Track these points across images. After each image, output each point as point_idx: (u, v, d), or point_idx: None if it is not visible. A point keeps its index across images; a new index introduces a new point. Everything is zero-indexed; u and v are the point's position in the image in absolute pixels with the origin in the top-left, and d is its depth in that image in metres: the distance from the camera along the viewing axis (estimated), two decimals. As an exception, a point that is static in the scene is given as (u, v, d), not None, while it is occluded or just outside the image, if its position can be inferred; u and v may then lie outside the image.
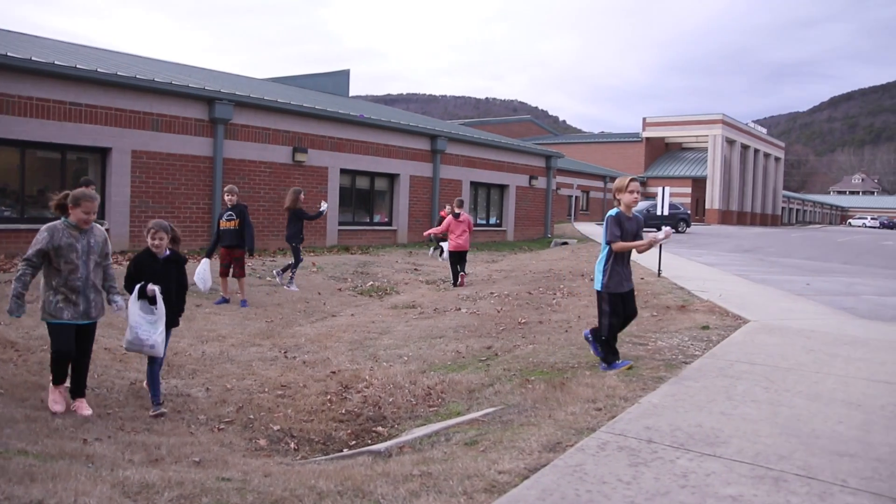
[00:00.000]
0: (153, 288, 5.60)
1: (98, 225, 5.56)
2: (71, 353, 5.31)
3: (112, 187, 14.72)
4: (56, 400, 5.36)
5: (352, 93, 33.28)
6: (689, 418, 4.50)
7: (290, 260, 12.92)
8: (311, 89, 28.11)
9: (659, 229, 6.32)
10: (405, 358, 7.57)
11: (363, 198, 21.51)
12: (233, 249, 10.84)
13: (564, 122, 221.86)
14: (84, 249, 5.31)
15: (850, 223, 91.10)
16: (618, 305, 6.15)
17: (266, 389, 6.54)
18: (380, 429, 5.73)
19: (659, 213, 14.98)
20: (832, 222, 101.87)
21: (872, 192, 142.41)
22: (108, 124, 14.54)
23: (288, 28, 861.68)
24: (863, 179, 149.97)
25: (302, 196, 12.81)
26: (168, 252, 5.91)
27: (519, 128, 63.26)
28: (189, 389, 6.42)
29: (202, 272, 10.51)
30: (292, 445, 5.40)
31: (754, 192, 69.00)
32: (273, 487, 3.53)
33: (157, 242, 5.79)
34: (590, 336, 6.42)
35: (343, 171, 20.06)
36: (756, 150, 68.69)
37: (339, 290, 12.79)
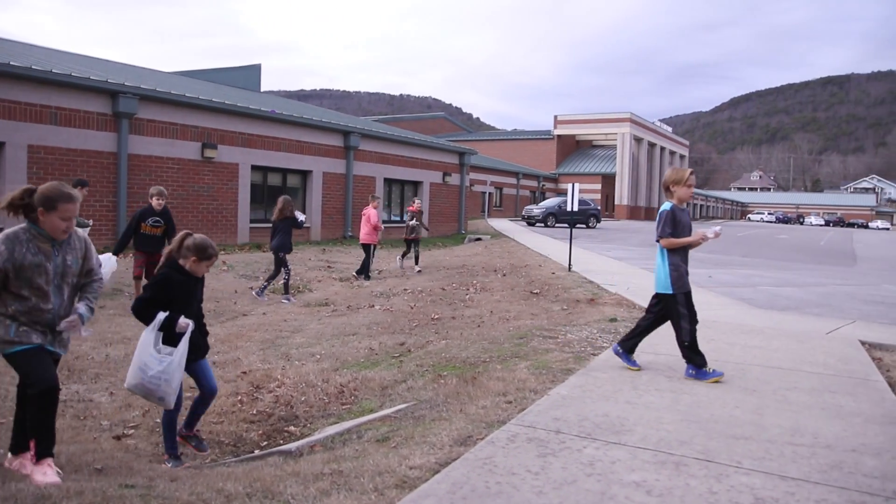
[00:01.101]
0: (187, 324, 4.51)
1: (77, 231, 4.10)
2: (58, 385, 3.90)
3: (6, 185, 13.99)
4: (45, 470, 3.77)
5: (264, 88, 32.73)
6: (597, 408, 4.63)
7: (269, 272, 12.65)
8: (221, 83, 27.49)
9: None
10: (318, 356, 7.50)
11: (275, 195, 21.04)
12: (153, 255, 10.18)
13: (478, 119, 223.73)
14: (57, 271, 3.87)
15: (749, 218, 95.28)
16: (691, 305, 5.68)
17: (173, 392, 6.37)
18: (292, 428, 5.66)
19: (569, 208, 15.29)
20: (733, 217, 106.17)
21: (769, 189, 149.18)
22: (0, 117, 13.84)
23: (196, 19, 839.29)
24: (760, 177, 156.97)
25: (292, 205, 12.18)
26: None
27: (433, 124, 63.43)
28: (91, 394, 6.19)
29: (108, 272, 10.11)
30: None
31: (660, 188, 71.23)
32: (179, 492, 3.45)
33: (203, 271, 4.77)
34: (619, 349, 5.86)
35: (254, 168, 19.70)
36: (662, 148, 70.94)
37: (251, 288, 12.56)
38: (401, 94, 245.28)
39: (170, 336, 4.52)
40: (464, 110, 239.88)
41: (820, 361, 6.41)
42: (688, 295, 5.67)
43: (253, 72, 31.65)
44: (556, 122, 65.40)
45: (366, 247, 14.59)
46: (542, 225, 34.90)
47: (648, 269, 15.29)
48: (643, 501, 3.19)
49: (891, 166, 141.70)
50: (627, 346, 5.86)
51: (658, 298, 5.80)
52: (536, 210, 36.60)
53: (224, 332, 8.98)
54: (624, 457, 3.75)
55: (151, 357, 4.37)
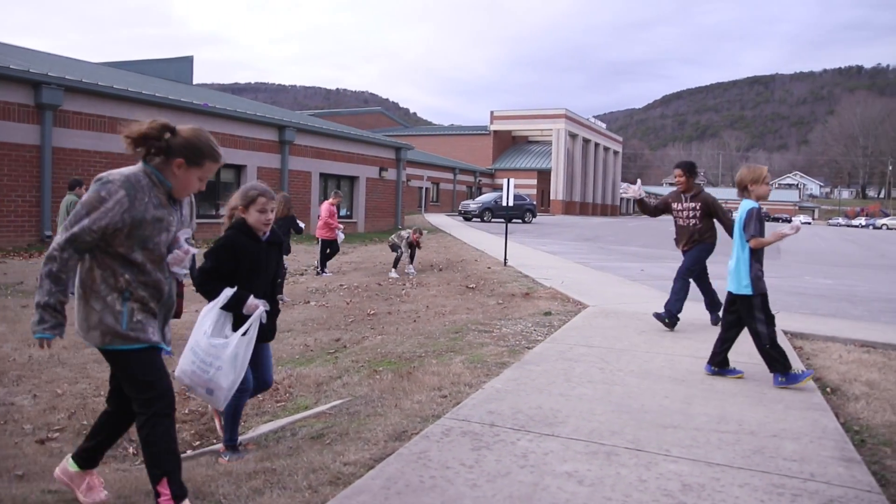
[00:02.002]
0: (257, 305, 3.83)
1: None
2: (173, 396, 3.16)
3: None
4: (93, 485, 3.33)
5: (196, 80, 32.05)
6: (530, 401, 4.69)
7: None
8: (152, 76, 26.78)
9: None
10: (252, 354, 7.40)
11: (208, 190, 20.73)
12: None
13: (415, 114, 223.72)
14: (176, 227, 3.18)
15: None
16: (768, 307, 5.47)
17: (102, 393, 6.18)
18: (225, 427, 5.57)
19: (505, 203, 15.42)
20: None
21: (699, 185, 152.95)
22: (-86, 109, 13.22)
23: (124, 8, 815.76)
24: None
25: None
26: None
27: (370, 119, 63.19)
28: (13, 398, 5.97)
29: None
30: (131, 450, 5.15)
31: (595, 183, 72.44)
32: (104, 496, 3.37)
33: (269, 217, 4.01)
34: (713, 369, 5.64)
35: (186, 162, 19.28)
36: (597, 144, 72.11)
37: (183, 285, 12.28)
38: (337, 89, 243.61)
39: (238, 318, 3.82)
40: (401, 105, 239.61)
41: (745, 351, 6.61)
42: (765, 297, 5.46)
43: (185, 64, 30.94)
44: (493, 117, 65.87)
45: (322, 242, 14.19)
46: (479, 220, 35.13)
47: (583, 262, 15.55)
48: (575, 491, 3.25)
49: (812, 164, 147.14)
50: (718, 361, 5.64)
51: (734, 299, 5.61)
52: (473, 205, 36.84)
53: (155, 330, 8.78)
54: (557, 448, 3.81)
55: (205, 337, 3.66)
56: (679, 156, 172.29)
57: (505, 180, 15.36)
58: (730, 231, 6.67)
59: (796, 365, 5.71)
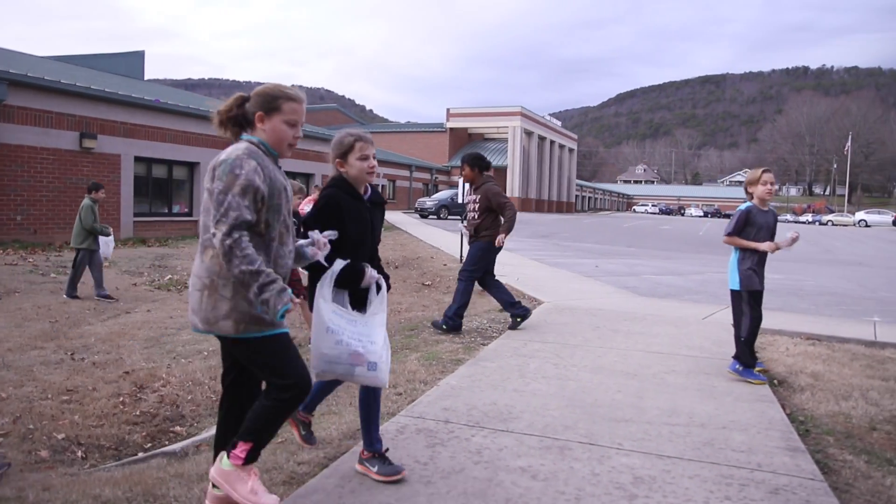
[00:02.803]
0: (372, 276, 3.40)
1: None
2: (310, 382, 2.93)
3: None
4: (256, 489, 2.90)
5: (147, 76, 31.47)
6: (485, 397, 4.72)
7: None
8: (101, 70, 26.19)
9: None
10: (205, 353, 7.30)
11: (161, 187, 20.41)
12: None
13: (371, 111, 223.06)
14: (290, 198, 3.06)
15: (634, 210, 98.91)
16: (757, 305, 5.65)
17: (49, 396, 6.05)
18: (178, 428, 5.48)
19: (461, 201, 15.44)
20: (619, 209, 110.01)
21: (653, 182, 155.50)
22: None
23: (71, 1, 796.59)
24: (644, 170, 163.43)
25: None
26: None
27: (325, 116, 62.70)
28: (-43, 400, 5.81)
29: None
30: (79, 454, 5.03)
31: (550, 181, 73.00)
32: (52, 502, 3.30)
33: (372, 164, 3.54)
34: (738, 367, 5.62)
35: (138, 159, 18.92)
36: (552, 142, 72.63)
37: (135, 285, 12.08)
38: (292, 85, 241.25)
39: (352, 295, 3.37)
40: (357, 102, 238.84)
41: (696, 345, 6.75)
42: (754, 294, 5.62)
43: (135, 59, 30.33)
44: (449, 114, 65.90)
45: None
46: (435, 217, 35.14)
47: (538, 259, 15.67)
48: (529, 486, 3.28)
49: (762, 161, 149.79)
50: (746, 361, 5.65)
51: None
52: (429, 202, 36.83)
53: (105, 330, 8.60)
54: (511, 443, 3.85)
55: (337, 315, 3.20)
56: (633, 153, 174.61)
57: (460, 178, 15.39)
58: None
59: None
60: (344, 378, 3.23)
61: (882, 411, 4.86)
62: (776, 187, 5.85)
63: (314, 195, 14.36)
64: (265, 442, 2.95)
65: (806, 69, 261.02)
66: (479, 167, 7.39)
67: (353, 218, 3.43)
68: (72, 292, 10.45)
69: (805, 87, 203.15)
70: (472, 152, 7.59)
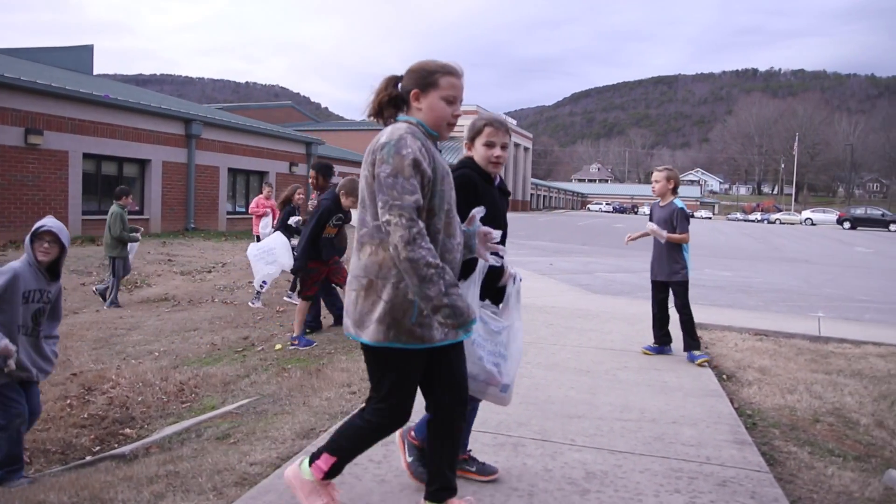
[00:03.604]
0: (512, 270, 3.19)
1: None
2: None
3: None
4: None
5: (97, 71, 30.79)
6: (439, 395, 4.72)
7: None
8: (48, 64, 25.53)
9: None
10: (156, 353, 7.18)
11: (111, 185, 19.90)
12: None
13: (327, 108, 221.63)
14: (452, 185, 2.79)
15: (589, 208, 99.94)
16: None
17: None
18: (127, 431, 5.38)
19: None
20: (574, 207, 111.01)
21: (607, 180, 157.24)
22: None
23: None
24: (599, 169, 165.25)
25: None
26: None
27: (280, 113, 61.95)
28: None
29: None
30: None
31: (505, 179, 73.27)
32: (-6, 506, 3.22)
33: (497, 154, 3.24)
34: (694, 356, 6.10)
35: (87, 156, 18.48)
36: (508, 140, 73.01)
37: (83, 284, 11.82)
38: (247, 82, 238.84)
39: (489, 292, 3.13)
40: (312, 99, 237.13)
41: (648, 342, 6.85)
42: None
43: (84, 53, 29.63)
44: (405, 113, 65.80)
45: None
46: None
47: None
48: (482, 483, 3.29)
49: (713, 161, 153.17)
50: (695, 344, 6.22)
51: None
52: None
53: (52, 331, 8.41)
54: (465, 441, 3.85)
55: (482, 323, 3.00)
56: (588, 152, 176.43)
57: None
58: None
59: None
60: (472, 394, 2.99)
61: (825, 404, 5.00)
62: (660, 185, 6.32)
63: (266, 193, 14.17)
64: (350, 459, 2.83)
65: (755, 71, 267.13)
66: (324, 175, 7.81)
67: (487, 202, 3.03)
68: (115, 302, 10.10)
69: (754, 89, 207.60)
70: (320, 162, 7.98)
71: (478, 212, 2.84)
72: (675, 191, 6.32)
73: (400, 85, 2.75)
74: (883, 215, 50.09)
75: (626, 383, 5.27)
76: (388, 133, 2.57)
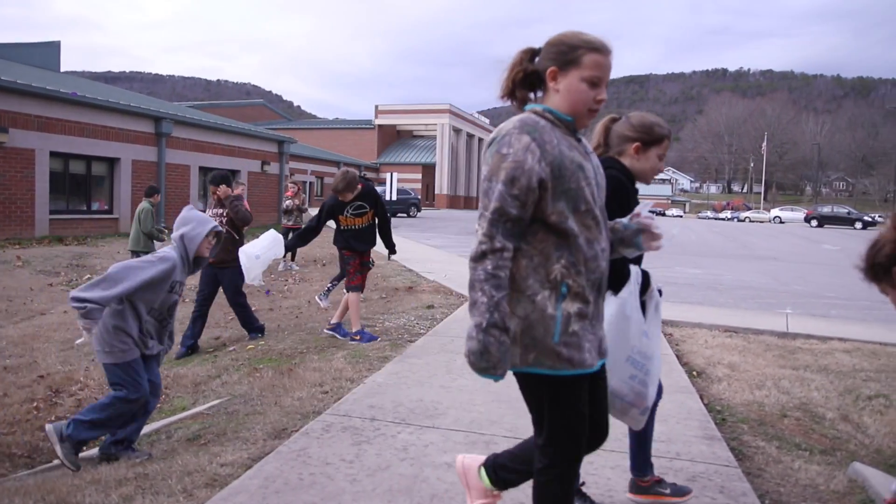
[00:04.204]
0: (659, 288, 2.95)
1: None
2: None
3: None
4: None
5: (64, 68, 30.33)
6: (411, 394, 4.72)
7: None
8: (12, 61, 25.10)
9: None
10: (126, 355, 7.09)
11: (79, 184, 19.67)
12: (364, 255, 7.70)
13: (299, 107, 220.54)
14: (595, 178, 2.35)
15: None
16: None
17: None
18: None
19: (389, 198, 15.43)
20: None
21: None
22: None
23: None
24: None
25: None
26: None
27: (252, 112, 61.58)
28: None
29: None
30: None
31: (479, 178, 73.52)
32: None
33: (659, 167, 3.09)
34: None
35: (54, 155, 18.18)
36: (480, 139, 73.09)
37: (50, 285, 11.64)
38: (218, 80, 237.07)
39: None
40: (284, 98, 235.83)
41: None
42: None
43: (51, 49, 29.15)
44: (377, 111, 65.62)
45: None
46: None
47: (466, 256, 15.73)
48: (454, 481, 3.29)
49: (684, 160, 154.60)
50: None
51: None
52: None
53: (18, 333, 8.27)
54: (437, 440, 3.86)
55: (645, 339, 2.74)
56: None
57: (388, 174, 15.36)
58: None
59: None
60: (612, 414, 2.72)
61: (792, 399, 5.08)
62: None
63: (239, 191, 14.04)
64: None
65: (725, 71, 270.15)
66: (226, 185, 7.58)
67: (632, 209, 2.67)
68: None
69: (724, 89, 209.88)
70: (217, 173, 7.69)
71: (644, 207, 2.53)
72: None
73: (536, 59, 2.35)
74: (849, 213, 50.90)
75: (597, 380, 5.30)
76: (498, 129, 2.27)
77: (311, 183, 46.30)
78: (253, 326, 7.46)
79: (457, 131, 65.14)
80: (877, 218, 49.73)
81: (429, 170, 63.40)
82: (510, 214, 2.12)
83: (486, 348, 2.06)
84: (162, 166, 22.03)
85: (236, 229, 7.37)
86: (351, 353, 5.93)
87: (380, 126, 65.32)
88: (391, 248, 7.19)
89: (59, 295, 10.94)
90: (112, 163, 20.47)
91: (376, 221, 6.97)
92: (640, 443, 3.24)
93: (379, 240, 7.03)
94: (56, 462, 4.54)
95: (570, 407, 2.21)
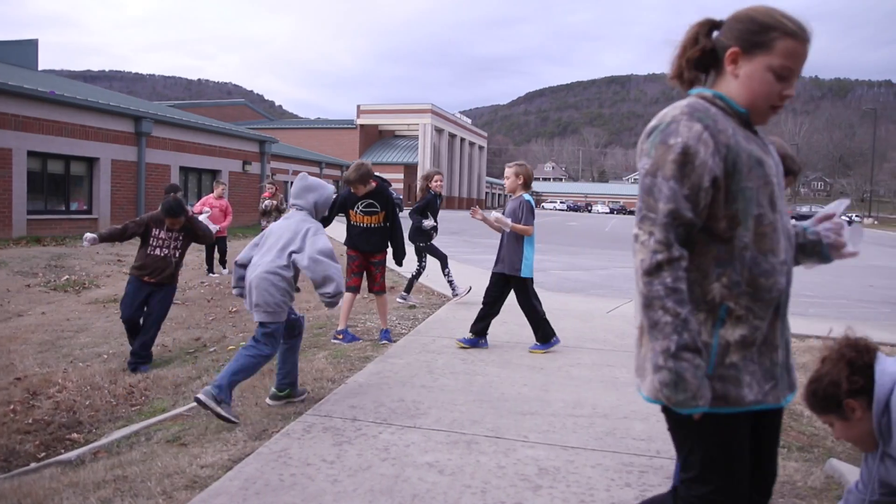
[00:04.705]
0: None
1: None
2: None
3: None
4: None
5: (42, 66, 30.00)
6: (393, 394, 4.72)
7: None
8: (-12, 60, 24.83)
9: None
10: (105, 356, 7.03)
11: (58, 183, 19.46)
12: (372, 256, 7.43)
13: (280, 106, 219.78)
14: (777, 177, 1.98)
15: (543, 206, 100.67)
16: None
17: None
18: (75, 435, 5.26)
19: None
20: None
21: (561, 179, 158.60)
22: None
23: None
24: (553, 167, 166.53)
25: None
26: None
27: (233, 111, 61.23)
28: None
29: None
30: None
31: (461, 178, 73.57)
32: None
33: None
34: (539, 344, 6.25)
35: (32, 154, 17.98)
36: (462, 139, 73.18)
37: (28, 286, 11.52)
38: (199, 79, 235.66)
39: None
40: (265, 97, 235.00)
41: (600, 338, 6.94)
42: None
43: (28, 48, 28.83)
44: (359, 111, 65.53)
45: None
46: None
47: (448, 256, 15.74)
48: (435, 481, 3.30)
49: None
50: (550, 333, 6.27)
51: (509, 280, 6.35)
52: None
53: (-5, 334, 8.18)
54: (418, 439, 3.86)
55: None
56: (542, 151, 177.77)
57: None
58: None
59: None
60: None
61: (771, 397, 5.12)
62: (510, 181, 6.42)
63: (220, 191, 13.93)
64: None
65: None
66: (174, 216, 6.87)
67: None
68: None
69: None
70: (170, 201, 6.97)
71: (838, 206, 2.20)
72: (525, 186, 6.37)
73: (715, 34, 1.97)
74: (827, 213, 51.43)
75: (578, 379, 5.33)
76: (661, 113, 1.91)
77: (292, 183, 46.14)
78: (145, 354, 6.63)
79: (439, 131, 65.17)
80: (854, 217, 50.33)
81: (411, 170, 63.35)
82: (685, 217, 1.80)
83: (680, 376, 1.73)
84: (142, 166, 21.86)
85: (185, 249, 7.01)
86: (332, 354, 5.92)
87: (362, 126, 65.22)
88: (399, 256, 7.01)
89: (36, 296, 10.84)
90: (91, 162, 20.28)
91: (387, 226, 6.84)
92: None
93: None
94: (35, 465, 4.50)
95: (723, 448, 1.88)
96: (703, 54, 1.96)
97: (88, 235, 6.00)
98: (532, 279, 6.32)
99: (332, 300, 4.37)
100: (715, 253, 1.85)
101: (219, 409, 4.03)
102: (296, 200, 4.73)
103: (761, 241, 1.86)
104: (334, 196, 4.98)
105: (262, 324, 4.42)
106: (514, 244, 6.27)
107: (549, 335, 6.23)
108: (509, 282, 6.32)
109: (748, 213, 1.84)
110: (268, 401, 4.62)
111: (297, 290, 4.74)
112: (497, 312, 6.37)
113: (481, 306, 6.36)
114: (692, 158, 1.79)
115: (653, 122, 1.90)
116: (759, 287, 1.85)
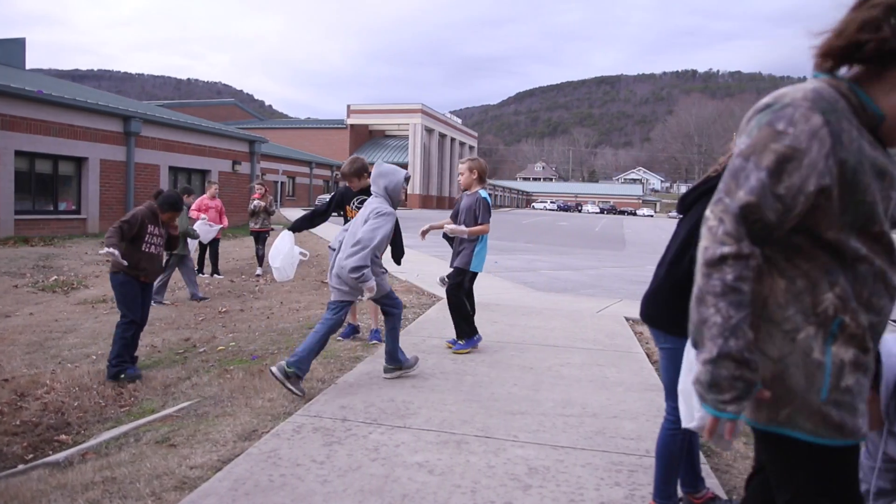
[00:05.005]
0: None
1: None
2: None
3: None
4: None
5: (29, 65, 29.83)
6: (383, 394, 4.72)
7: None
8: (-25, 59, 24.66)
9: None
10: (94, 357, 6.99)
11: (45, 183, 19.34)
12: None
13: (270, 106, 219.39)
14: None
15: (533, 206, 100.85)
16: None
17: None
18: (63, 437, 5.22)
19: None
20: (519, 206, 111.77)
21: (551, 179, 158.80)
22: None
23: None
24: (543, 167, 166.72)
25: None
26: None
27: (223, 111, 61.11)
28: None
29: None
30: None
31: (451, 178, 73.58)
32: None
33: None
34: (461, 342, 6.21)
35: (19, 154, 17.87)
36: (452, 139, 73.20)
37: (16, 286, 11.44)
38: (189, 79, 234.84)
39: None
40: (255, 97, 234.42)
41: (590, 338, 6.95)
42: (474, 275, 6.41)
43: (16, 46, 28.64)
44: (350, 111, 65.46)
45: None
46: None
47: (439, 256, 15.75)
48: (425, 481, 3.30)
49: (654, 160, 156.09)
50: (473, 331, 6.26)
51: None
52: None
53: (-18, 335, 8.12)
54: (408, 439, 3.86)
55: None
56: (532, 151, 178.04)
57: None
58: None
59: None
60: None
61: (760, 396, 5.14)
62: (465, 176, 6.38)
63: (212, 191, 13.83)
64: None
65: (694, 72, 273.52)
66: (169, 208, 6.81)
67: None
68: (159, 299, 9.66)
69: (693, 90, 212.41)
70: (172, 193, 6.88)
71: None
72: (480, 181, 6.33)
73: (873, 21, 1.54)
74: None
75: (568, 379, 5.34)
76: (778, 93, 1.63)
77: (282, 183, 46.03)
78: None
79: (429, 131, 65.15)
80: None
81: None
82: (765, 218, 1.55)
83: (715, 382, 1.55)
84: (131, 166, 21.76)
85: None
86: (322, 354, 5.90)
87: (352, 126, 65.16)
88: (398, 255, 7.01)
89: (24, 297, 10.77)
90: (79, 162, 20.17)
91: None
92: (690, 457, 3.15)
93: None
94: (22, 467, 4.47)
95: (839, 486, 1.64)
96: (885, 37, 1.52)
97: (115, 252, 5.61)
98: (476, 275, 6.35)
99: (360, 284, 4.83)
100: (825, 260, 1.62)
101: (288, 387, 4.59)
102: (372, 187, 5.11)
103: (876, 258, 1.62)
104: (407, 180, 5.25)
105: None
106: (468, 240, 6.23)
107: (472, 332, 6.22)
108: (466, 275, 6.28)
109: (863, 228, 1.60)
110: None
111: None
112: (473, 309, 6.39)
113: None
114: (800, 155, 1.52)
115: (766, 99, 1.64)
116: (870, 307, 1.62)
